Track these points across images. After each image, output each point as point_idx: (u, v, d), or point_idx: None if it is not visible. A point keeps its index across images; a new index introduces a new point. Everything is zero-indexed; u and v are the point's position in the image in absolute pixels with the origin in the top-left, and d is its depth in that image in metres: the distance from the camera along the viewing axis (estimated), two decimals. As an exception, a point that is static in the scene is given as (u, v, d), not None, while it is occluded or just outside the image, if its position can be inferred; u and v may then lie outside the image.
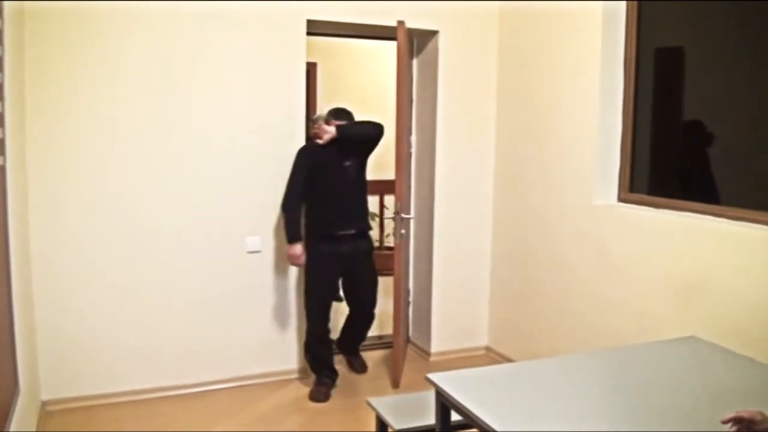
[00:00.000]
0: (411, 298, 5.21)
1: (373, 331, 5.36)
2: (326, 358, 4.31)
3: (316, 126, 4.10)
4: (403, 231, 4.33)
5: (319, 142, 4.06)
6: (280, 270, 4.43)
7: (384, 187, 6.39)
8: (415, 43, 4.94)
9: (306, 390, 4.31)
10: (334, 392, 4.27)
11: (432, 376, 2.44)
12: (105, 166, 3.96)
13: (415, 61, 5.00)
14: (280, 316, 4.48)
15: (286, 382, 4.45)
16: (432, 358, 4.92)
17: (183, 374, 4.25)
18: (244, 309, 4.38)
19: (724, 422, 1.87)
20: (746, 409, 1.87)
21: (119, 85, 3.94)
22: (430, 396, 2.58)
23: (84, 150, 3.91)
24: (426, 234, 4.92)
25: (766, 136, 3.30)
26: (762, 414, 1.85)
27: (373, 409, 3.06)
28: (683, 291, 3.34)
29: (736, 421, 1.85)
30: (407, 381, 4.45)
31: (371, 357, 4.93)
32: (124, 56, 3.93)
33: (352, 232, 4.21)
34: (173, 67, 4.04)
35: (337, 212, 4.14)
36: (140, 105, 3.99)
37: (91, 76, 3.87)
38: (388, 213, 6.47)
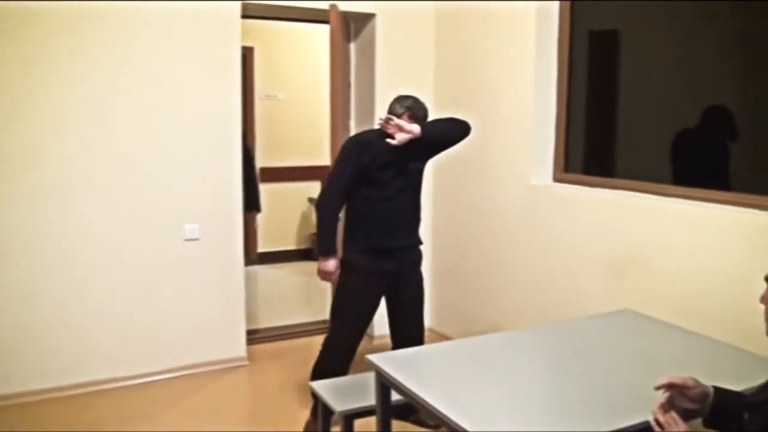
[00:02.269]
0: (353, 283, 5.15)
1: (315, 316, 5.34)
2: None
3: (384, 119, 3.21)
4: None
5: (392, 142, 3.14)
6: (220, 257, 4.33)
7: (325, 172, 6.31)
8: (353, 27, 4.88)
9: (253, 376, 4.25)
10: (277, 379, 4.20)
11: (371, 356, 2.42)
12: (40, 154, 3.80)
13: (352, 45, 4.94)
14: (222, 303, 4.38)
15: (231, 369, 4.37)
16: (375, 341, 4.89)
17: (122, 366, 4.11)
18: (185, 297, 4.26)
19: (657, 389, 1.88)
20: (679, 375, 1.89)
21: (54, 74, 3.79)
22: (372, 377, 2.55)
23: (18, 139, 3.74)
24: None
25: (692, 113, 3.36)
26: (694, 380, 1.87)
27: (315, 392, 3.01)
28: (617, 266, 3.39)
29: (669, 387, 1.86)
30: (351, 365, 4.41)
31: (314, 341, 4.86)
32: (57, 49, 3.78)
33: (402, 245, 3.42)
34: (106, 56, 3.90)
35: (392, 222, 3.35)
36: (75, 95, 3.85)
37: (25, 67, 3.71)
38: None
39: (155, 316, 4.19)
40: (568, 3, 3.87)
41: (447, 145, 3.39)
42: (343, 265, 3.39)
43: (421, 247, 3.53)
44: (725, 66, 3.22)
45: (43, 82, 3.77)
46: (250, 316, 4.79)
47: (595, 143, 4.03)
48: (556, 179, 4.01)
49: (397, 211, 3.36)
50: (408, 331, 3.49)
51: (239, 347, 4.47)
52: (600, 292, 3.49)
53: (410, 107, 3.29)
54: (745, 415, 1.76)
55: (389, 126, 3.17)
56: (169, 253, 4.19)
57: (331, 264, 3.35)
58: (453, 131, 3.33)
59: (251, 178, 5.66)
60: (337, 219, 3.37)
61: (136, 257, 4.10)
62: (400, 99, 3.35)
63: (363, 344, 4.77)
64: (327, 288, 5.19)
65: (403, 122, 3.16)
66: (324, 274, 3.40)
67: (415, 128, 3.14)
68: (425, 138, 3.16)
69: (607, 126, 3.98)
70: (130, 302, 4.11)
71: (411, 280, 3.50)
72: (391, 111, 3.30)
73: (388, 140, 3.15)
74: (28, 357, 3.88)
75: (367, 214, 3.35)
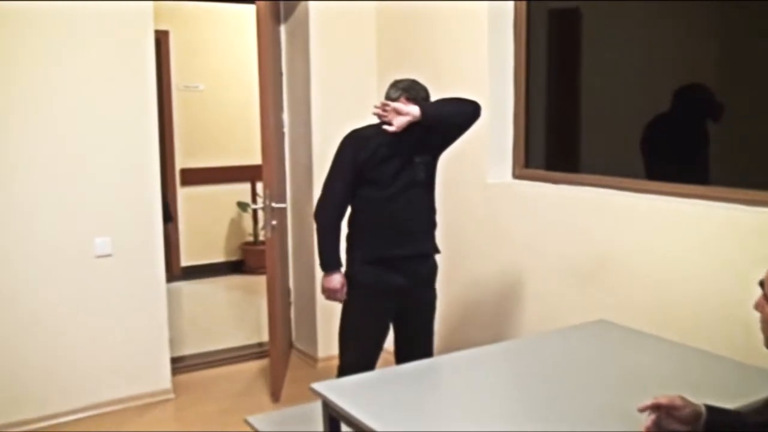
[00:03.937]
0: (292, 299, 5.09)
1: (249, 339, 5.24)
2: None
3: (380, 106, 3.11)
4: (274, 222, 4.19)
5: (390, 129, 3.02)
6: (137, 274, 4.19)
7: (256, 173, 6.22)
8: (282, 8, 4.81)
9: (180, 412, 4.15)
10: (208, 414, 4.09)
11: (317, 385, 2.34)
12: None
13: (283, 28, 4.87)
14: (142, 327, 4.24)
15: (155, 405, 4.24)
16: (320, 364, 4.83)
17: (27, 408, 3.92)
18: (98, 324, 4.11)
19: (642, 410, 1.86)
20: (664, 394, 1.88)
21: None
22: (318, 407, 2.48)
23: None
24: (305, 225, 4.80)
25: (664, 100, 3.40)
26: (682, 398, 1.85)
27: (253, 428, 2.93)
28: (587, 270, 3.40)
29: (655, 408, 1.85)
30: (293, 392, 4.33)
31: (249, 368, 4.77)
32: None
33: (413, 254, 3.28)
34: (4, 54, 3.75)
35: (398, 227, 3.21)
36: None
37: None
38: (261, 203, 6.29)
39: (65, 347, 4.02)
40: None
41: (454, 129, 3.24)
42: (347, 280, 3.29)
43: (438, 258, 3.42)
44: (700, 46, 3.26)
45: None
46: (174, 341, 4.67)
47: (559, 135, 4.06)
48: (516, 176, 4.01)
49: (404, 213, 3.22)
50: (415, 351, 3.26)
51: (163, 379, 4.34)
52: (569, 301, 3.50)
53: (406, 89, 3.22)
54: (744, 437, 1.77)
55: (386, 112, 3.06)
56: (77, 273, 4.03)
57: (336, 280, 3.24)
58: (459, 112, 3.17)
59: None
60: (338, 228, 3.28)
61: (38, 281, 3.93)
62: (395, 83, 3.28)
63: (307, 370, 4.75)
64: (262, 305, 5.09)
65: (399, 105, 3.05)
66: (329, 293, 3.29)
67: (414, 109, 3.01)
68: (426, 119, 3.02)
69: (570, 116, 4.00)
70: (33, 333, 3.94)
71: (422, 301, 3.39)
72: (386, 98, 3.24)
73: (386, 127, 3.04)
74: None
75: (369, 218, 3.24)
